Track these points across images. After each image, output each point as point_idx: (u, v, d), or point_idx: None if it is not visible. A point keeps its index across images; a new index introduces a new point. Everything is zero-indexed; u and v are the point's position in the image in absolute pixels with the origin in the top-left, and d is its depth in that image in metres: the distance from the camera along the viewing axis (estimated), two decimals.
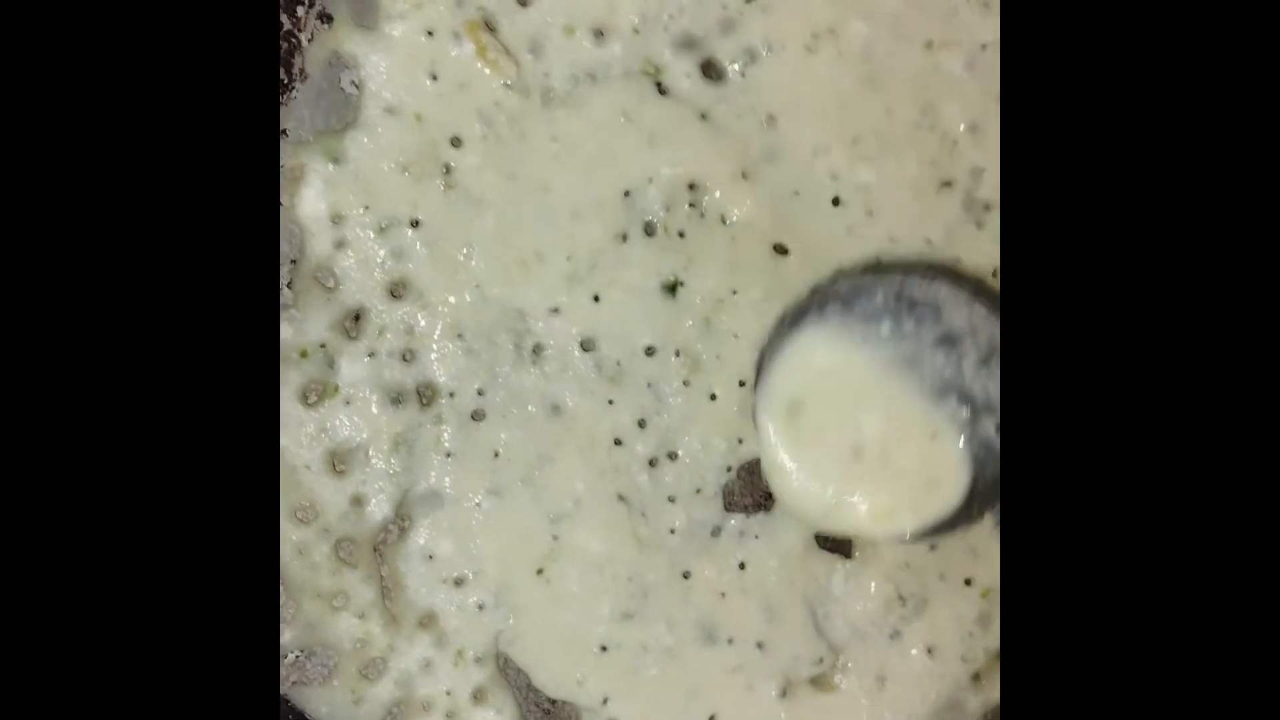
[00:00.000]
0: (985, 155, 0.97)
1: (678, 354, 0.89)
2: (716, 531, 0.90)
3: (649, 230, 0.89)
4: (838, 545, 0.93)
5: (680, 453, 0.89)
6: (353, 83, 0.83)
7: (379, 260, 0.83)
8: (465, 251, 0.85)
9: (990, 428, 0.83)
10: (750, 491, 0.91)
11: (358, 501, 0.84)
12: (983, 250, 0.96)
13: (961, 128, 0.96)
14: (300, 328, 0.81)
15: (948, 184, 0.96)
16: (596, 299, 0.88)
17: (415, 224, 0.84)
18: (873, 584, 0.93)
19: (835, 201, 0.93)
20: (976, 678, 0.96)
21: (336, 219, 0.82)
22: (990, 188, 0.97)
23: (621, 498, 0.88)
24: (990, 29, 0.91)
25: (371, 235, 0.83)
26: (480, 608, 0.85)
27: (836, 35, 0.89)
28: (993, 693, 0.96)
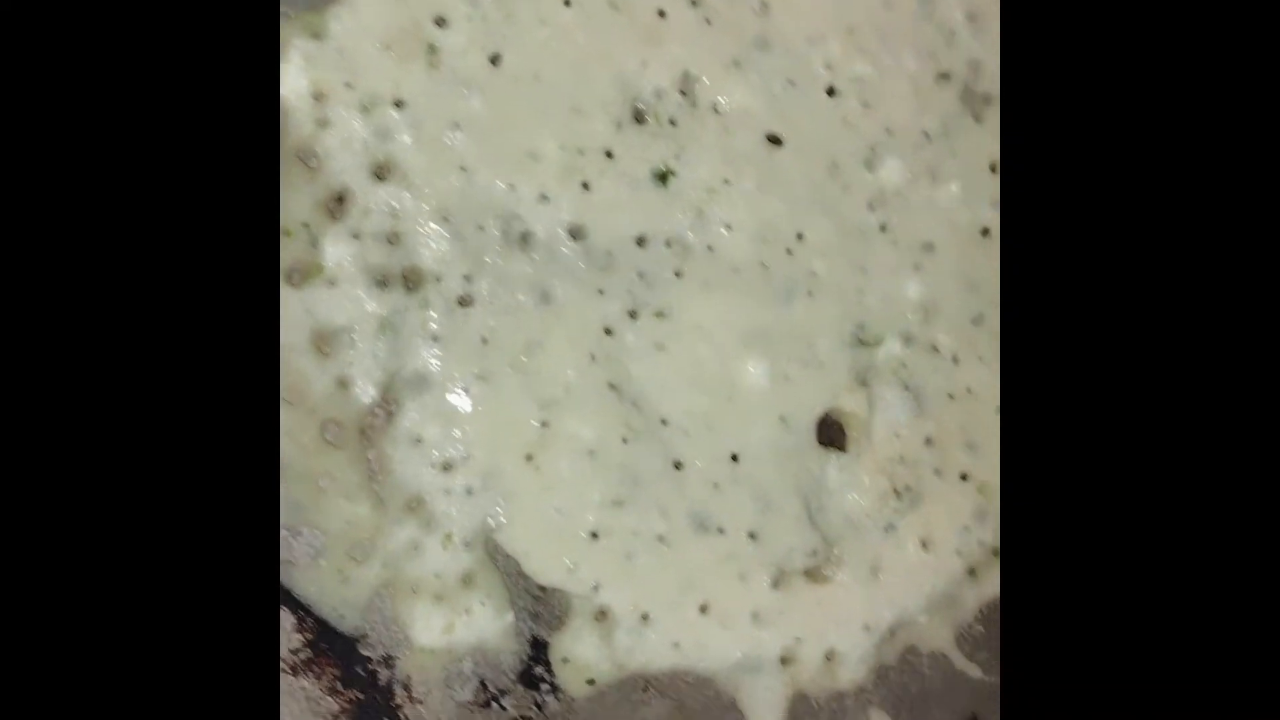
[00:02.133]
0: (984, 47, 0.96)
1: (669, 244, 0.89)
2: (711, 425, 0.90)
3: (639, 118, 0.88)
4: (832, 438, 0.92)
5: (672, 344, 0.89)
6: None
7: (362, 140, 0.83)
8: (451, 135, 0.84)
9: None
10: None
11: (343, 384, 0.83)
12: (980, 144, 0.95)
13: (960, 18, 0.95)
14: (283, 206, 0.81)
15: (945, 76, 0.95)
16: (586, 186, 0.87)
17: (399, 104, 0.83)
18: (867, 477, 0.92)
19: (830, 92, 0.92)
20: (972, 572, 0.95)
21: (318, 97, 0.82)
22: (989, 80, 0.96)
23: (613, 386, 0.87)
24: None
25: (354, 115, 0.82)
26: (469, 492, 0.85)
27: None
28: (988, 588, 0.96)
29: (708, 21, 0.88)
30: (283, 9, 0.80)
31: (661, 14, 0.87)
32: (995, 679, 0.96)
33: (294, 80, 0.81)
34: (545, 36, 0.85)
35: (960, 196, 0.93)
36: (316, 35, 0.81)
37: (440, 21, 0.83)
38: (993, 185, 0.94)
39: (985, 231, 0.94)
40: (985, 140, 0.95)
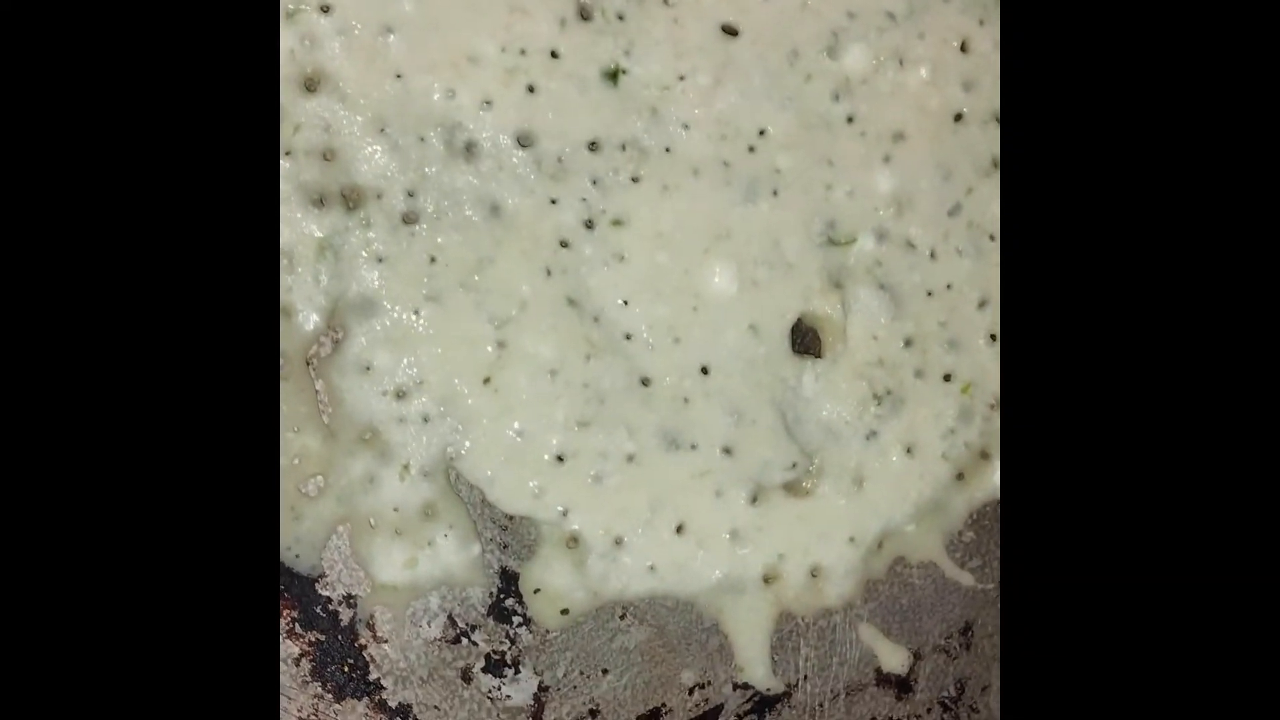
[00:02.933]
0: None
1: (624, 148, 0.84)
2: (677, 338, 0.85)
3: (585, 14, 0.83)
4: (807, 345, 0.88)
5: (631, 254, 0.84)
6: None
7: (288, 50, 0.77)
8: (383, 39, 0.78)
9: None
10: None
11: (285, 312, 0.79)
12: (949, 23, 0.90)
13: None
14: None
15: None
16: (531, 90, 0.82)
17: (325, 9, 0.78)
18: (845, 383, 0.88)
19: None
20: (960, 476, 0.91)
21: None
22: None
23: (571, 301, 0.83)
24: None
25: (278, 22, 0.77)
26: (425, 420, 0.81)
27: None
28: (978, 492, 0.92)
29: None
30: None
31: None
32: (989, 586, 0.93)
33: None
34: None
35: (929, 80, 0.88)
36: None
37: None
38: (964, 66, 0.89)
39: (958, 117, 0.89)
40: (954, 18, 0.90)
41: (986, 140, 0.89)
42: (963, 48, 0.89)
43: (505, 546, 0.83)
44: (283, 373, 0.78)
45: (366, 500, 0.80)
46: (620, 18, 0.83)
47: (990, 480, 0.92)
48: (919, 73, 0.88)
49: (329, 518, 0.80)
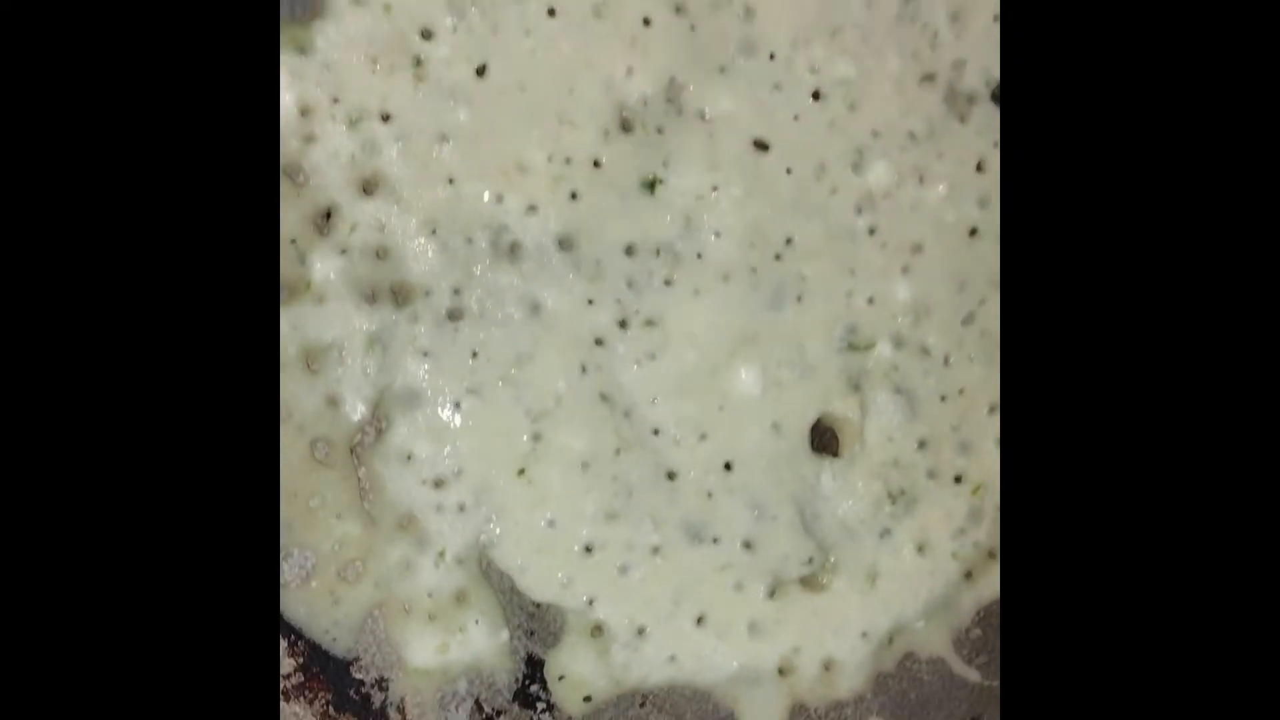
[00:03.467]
0: (967, 47, 0.95)
1: (658, 252, 0.88)
2: (703, 434, 0.89)
3: (626, 126, 0.87)
4: (825, 444, 0.92)
5: (662, 353, 0.88)
6: None
7: (349, 155, 0.82)
8: (438, 147, 0.83)
9: None
10: None
11: (332, 401, 0.82)
12: (966, 144, 0.95)
13: (943, 19, 0.94)
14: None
15: (929, 77, 0.94)
16: (574, 196, 0.86)
17: (386, 118, 0.82)
18: (861, 483, 0.92)
19: (815, 95, 0.91)
20: (969, 575, 0.95)
21: (305, 111, 0.80)
22: (973, 80, 0.95)
23: (604, 397, 0.86)
24: None
25: (341, 129, 0.81)
26: (461, 509, 0.84)
27: None
28: (986, 590, 0.95)
29: (692, 28, 0.88)
30: None
31: (646, 21, 0.86)
32: (995, 682, 0.96)
33: (280, 95, 0.80)
34: (531, 46, 0.84)
35: (947, 197, 0.93)
36: (302, 49, 0.80)
37: (426, 34, 0.82)
38: (979, 185, 0.94)
39: (973, 231, 0.94)
40: (971, 140, 0.95)
41: (999, 254, 0.94)
42: (978, 167, 0.94)
43: (532, 633, 0.86)
44: (328, 460, 0.81)
45: (402, 585, 0.83)
46: (659, 131, 0.88)
47: (996, 580, 0.96)
48: (937, 189, 0.93)
49: (366, 602, 0.83)
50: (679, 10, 0.88)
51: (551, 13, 0.85)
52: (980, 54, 0.94)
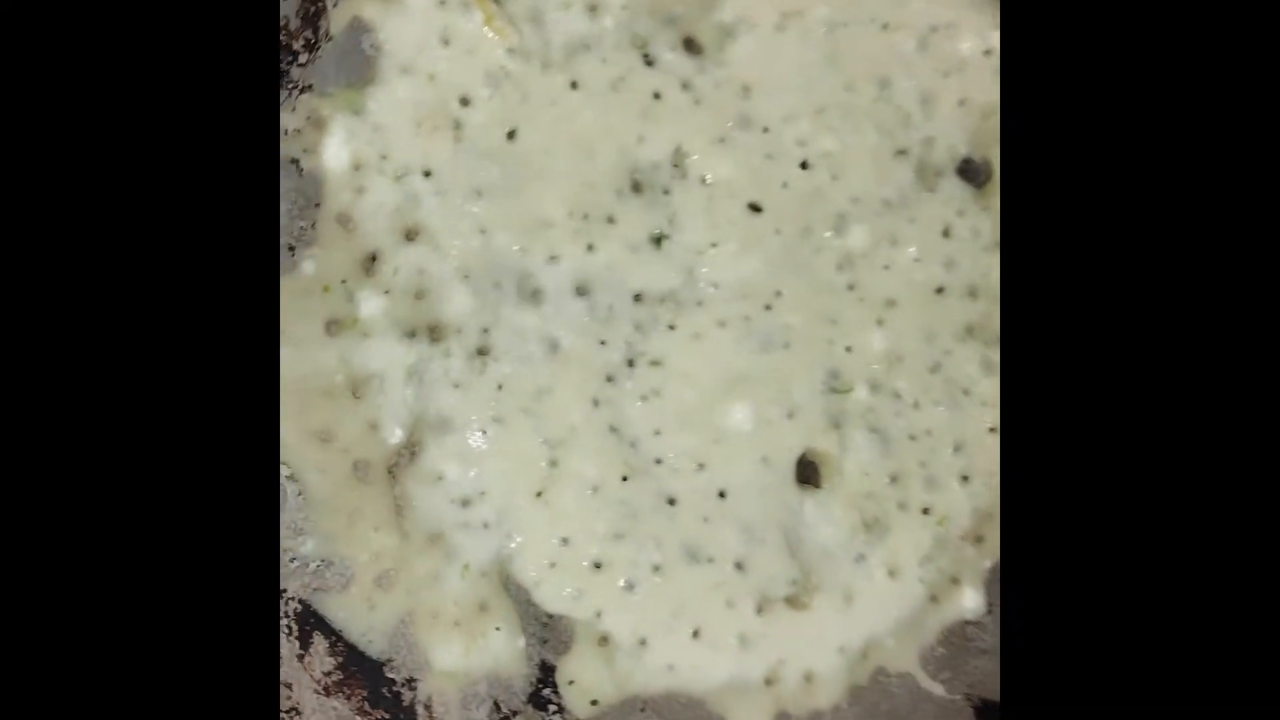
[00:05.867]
0: (936, 127, 1.07)
1: (663, 300, 0.98)
2: (701, 464, 0.98)
3: (637, 188, 0.98)
4: (808, 476, 1.02)
5: (665, 390, 0.98)
6: (372, 45, 0.91)
7: (394, 206, 0.91)
8: (473, 201, 0.93)
9: None
10: None
11: (373, 426, 0.91)
12: (934, 212, 1.06)
13: (914, 102, 1.06)
14: (323, 265, 0.89)
15: (902, 152, 1.05)
16: (591, 248, 0.96)
17: (427, 174, 0.92)
18: (840, 512, 1.02)
19: (803, 165, 1.02)
20: (934, 598, 1.05)
21: (357, 166, 0.90)
22: (940, 155, 1.07)
23: (613, 429, 0.96)
24: (937, 13, 1.02)
25: (388, 183, 0.91)
26: (485, 526, 0.93)
27: (803, 16, 0.99)
28: (949, 613, 1.05)
29: (697, 103, 0.99)
30: (326, 87, 0.89)
31: (657, 96, 0.97)
32: (957, 697, 1.05)
33: (335, 152, 0.89)
34: (555, 115, 0.95)
35: (917, 258, 1.04)
36: (356, 111, 0.90)
37: (465, 101, 0.93)
38: (946, 249, 1.05)
39: (940, 289, 1.05)
40: (938, 209, 1.06)
41: (963, 310, 1.05)
42: (945, 233, 1.06)
43: (545, 641, 0.95)
44: (367, 479, 0.90)
45: (431, 595, 0.91)
46: (666, 192, 0.98)
47: (959, 603, 1.06)
48: (908, 251, 1.04)
49: (398, 609, 0.91)
50: (685, 87, 0.99)
51: (574, 86, 0.96)
52: (947, 133, 1.06)
